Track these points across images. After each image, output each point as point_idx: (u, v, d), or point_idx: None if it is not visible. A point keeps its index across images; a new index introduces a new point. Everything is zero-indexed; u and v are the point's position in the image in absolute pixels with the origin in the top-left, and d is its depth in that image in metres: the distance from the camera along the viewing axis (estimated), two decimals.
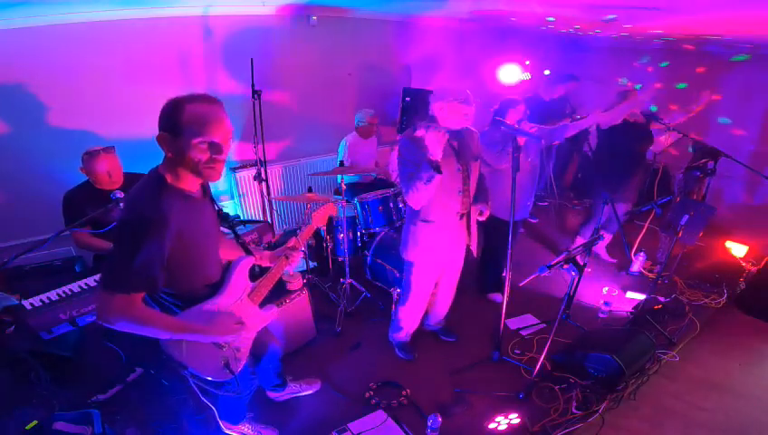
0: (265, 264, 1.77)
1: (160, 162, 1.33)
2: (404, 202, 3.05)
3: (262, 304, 1.68)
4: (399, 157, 2.19)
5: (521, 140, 2.53)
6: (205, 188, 1.44)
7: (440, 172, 1.99)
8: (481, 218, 2.32)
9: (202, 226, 1.40)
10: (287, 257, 1.75)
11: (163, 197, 1.25)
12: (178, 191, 1.31)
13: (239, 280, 1.57)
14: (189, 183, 1.34)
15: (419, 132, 2.05)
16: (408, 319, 2.62)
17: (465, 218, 2.34)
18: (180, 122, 1.24)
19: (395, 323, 2.69)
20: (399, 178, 2.22)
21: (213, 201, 1.51)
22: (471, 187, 2.29)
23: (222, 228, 1.63)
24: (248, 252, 1.67)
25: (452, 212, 2.27)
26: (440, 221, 2.26)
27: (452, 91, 2.12)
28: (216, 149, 1.28)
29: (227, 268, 1.57)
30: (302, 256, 1.78)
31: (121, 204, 1.92)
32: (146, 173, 1.35)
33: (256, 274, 1.72)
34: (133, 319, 1.23)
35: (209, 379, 1.47)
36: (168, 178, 1.29)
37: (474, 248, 2.47)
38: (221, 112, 1.31)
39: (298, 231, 1.88)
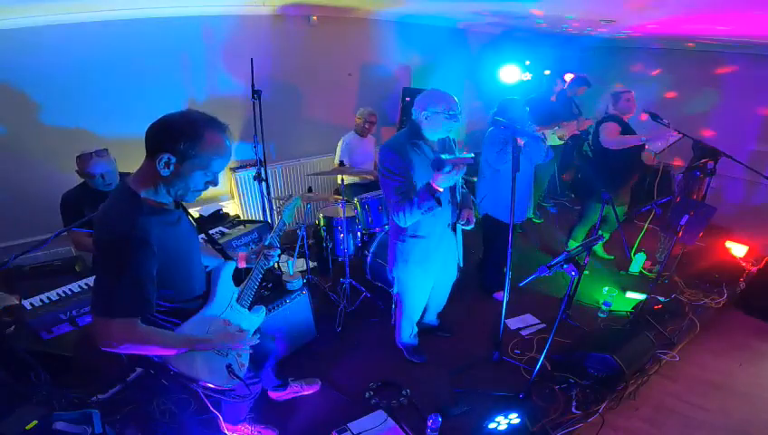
0: (242, 265, 1.74)
1: (133, 174, 1.26)
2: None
3: (251, 307, 1.67)
4: (385, 171, 1.99)
5: (520, 141, 2.52)
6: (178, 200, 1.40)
7: (441, 205, 1.87)
8: (467, 227, 2.24)
9: (182, 237, 1.37)
10: (266, 256, 1.73)
11: (140, 214, 1.19)
12: (154, 206, 1.25)
13: (225, 286, 1.56)
14: (164, 196, 1.28)
15: (449, 169, 1.76)
16: (408, 324, 2.61)
17: (454, 228, 2.31)
18: (196, 148, 1.19)
19: (398, 329, 2.67)
20: (386, 193, 2.03)
21: (186, 210, 1.47)
22: (458, 195, 2.25)
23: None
24: (226, 256, 1.66)
25: (443, 224, 2.21)
26: (432, 235, 2.18)
27: (443, 99, 1.97)
28: (214, 180, 1.29)
29: (210, 276, 1.56)
30: (278, 252, 1.77)
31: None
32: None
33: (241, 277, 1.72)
34: (137, 340, 1.21)
35: (218, 388, 1.48)
36: (143, 194, 1.23)
37: (460, 261, 2.46)
38: (229, 143, 1.27)
39: (272, 230, 1.85)
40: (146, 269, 1.19)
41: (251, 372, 1.69)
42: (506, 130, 2.37)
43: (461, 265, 2.51)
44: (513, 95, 2.92)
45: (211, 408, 1.66)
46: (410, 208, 1.93)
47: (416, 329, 2.68)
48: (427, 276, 2.36)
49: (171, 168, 1.19)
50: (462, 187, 2.32)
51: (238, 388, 1.55)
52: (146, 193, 1.24)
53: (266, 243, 1.76)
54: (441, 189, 1.84)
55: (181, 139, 1.17)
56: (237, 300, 1.61)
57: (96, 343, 1.18)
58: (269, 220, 3.46)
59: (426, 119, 2.00)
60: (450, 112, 1.97)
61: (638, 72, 5.28)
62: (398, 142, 2.03)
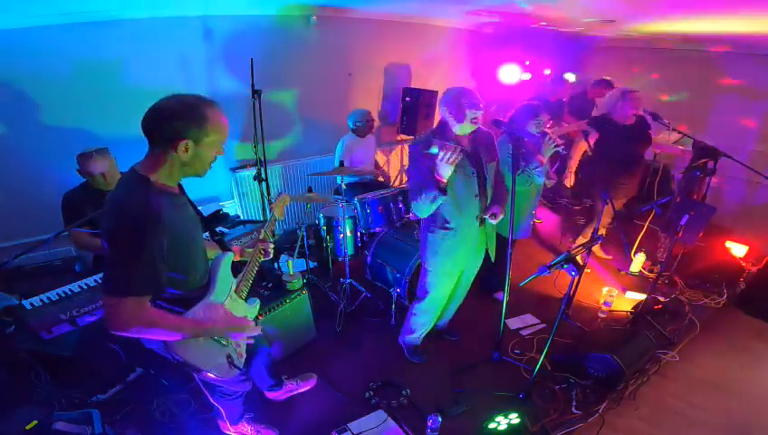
0: (236, 258, 1.76)
1: (139, 162, 1.31)
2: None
3: (246, 299, 1.70)
4: (411, 165, 2.12)
5: (541, 159, 2.48)
6: (181, 186, 1.44)
7: (445, 194, 1.98)
8: (492, 221, 2.22)
9: (188, 222, 1.41)
10: (261, 250, 1.77)
11: (152, 196, 1.24)
12: (163, 190, 1.30)
13: (224, 277, 1.58)
14: (172, 181, 1.34)
15: (435, 151, 1.90)
16: (423, 322, 2.57)
17: (484, 222, 2.28)
18: (206, 129, 1.27)
19: (408, 326, 2.61)
20: (409, 186, 2.17)
21: (189, 199, 1.51)
22: (489, 189, 2.23)
23: None
24: (225, 248, 1.68)
25: (470, 217, 2.21)
26: (459, 227, 2.20)
27: (461, 93, 2.04)
28: (221, 151, 1.37)
29: (211, 267, 1.58)
30: (272, 245, 1.85)
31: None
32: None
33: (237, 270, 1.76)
34: (146, 322, 1.23)
35: (218, 378, 1.49)
36: (153, 178, 1.28)
37: (492, 251, 2.42)
38: (224, 115, 1.36)
39: (265, 225, 1.90)
40: (158, 247, 1.22)
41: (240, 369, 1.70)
42: (534, 141, 2.39)
43: (492, 259, 2.45)
44: (534, 99, 2.85)
45: (213, 402, 1.67)
46: (418, 197, 2.04)
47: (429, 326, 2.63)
48: (453, 269, 2.36)
49: (190, 151, 1.27)
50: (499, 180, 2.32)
51: (233, 381, 1.56)
52: (155, 177, 1.29)
53: (261, 237, 1.80)
54: (444, 179, 1.94)
55: (191, 123, 1.25)
56: (235, 290, 1.63)
57: (108, 326, 1.20)
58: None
59: (451, 115, 2.07)
60: (472, 103, 2.04)
61: (638, 72, 5.27)
62: (423, 139, 2.09)
